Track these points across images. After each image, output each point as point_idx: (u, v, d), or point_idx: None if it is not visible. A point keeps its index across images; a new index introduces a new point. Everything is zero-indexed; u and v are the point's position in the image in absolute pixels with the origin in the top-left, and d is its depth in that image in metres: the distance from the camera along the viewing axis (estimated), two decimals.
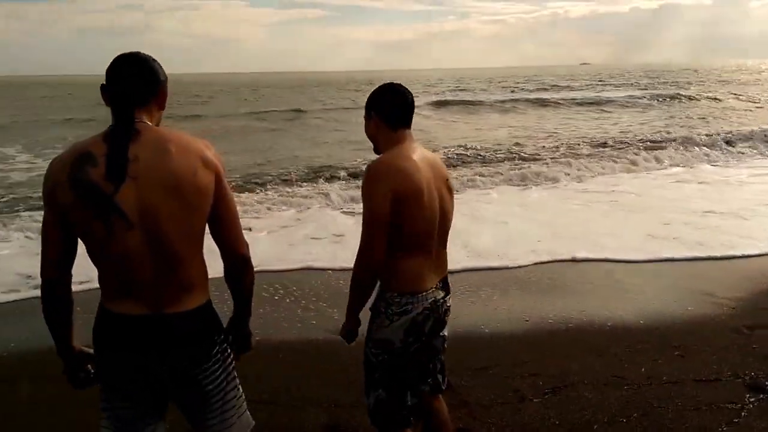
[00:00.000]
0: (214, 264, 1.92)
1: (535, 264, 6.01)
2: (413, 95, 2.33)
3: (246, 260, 1.91)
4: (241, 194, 9.97)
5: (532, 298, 5.14)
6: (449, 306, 2.41)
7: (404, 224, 2.15)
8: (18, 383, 3.70)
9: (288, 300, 5.20)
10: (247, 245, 1.91)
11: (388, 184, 2.11)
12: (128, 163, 1.65)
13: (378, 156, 2.27)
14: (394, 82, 2.35)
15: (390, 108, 2.27)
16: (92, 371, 1.91)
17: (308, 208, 9.07)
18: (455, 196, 2.46)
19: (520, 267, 5.94)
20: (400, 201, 2.12)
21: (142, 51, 1.79)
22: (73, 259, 1.77)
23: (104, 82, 1.74)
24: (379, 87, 2.33)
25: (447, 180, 2.33)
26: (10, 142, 18.03)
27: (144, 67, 1.76)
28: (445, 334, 2.44)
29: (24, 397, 3.53)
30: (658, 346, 4.10)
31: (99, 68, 1.73)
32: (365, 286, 2.24)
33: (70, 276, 1.79)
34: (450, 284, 2.42)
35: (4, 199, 10.19)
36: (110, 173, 1.64)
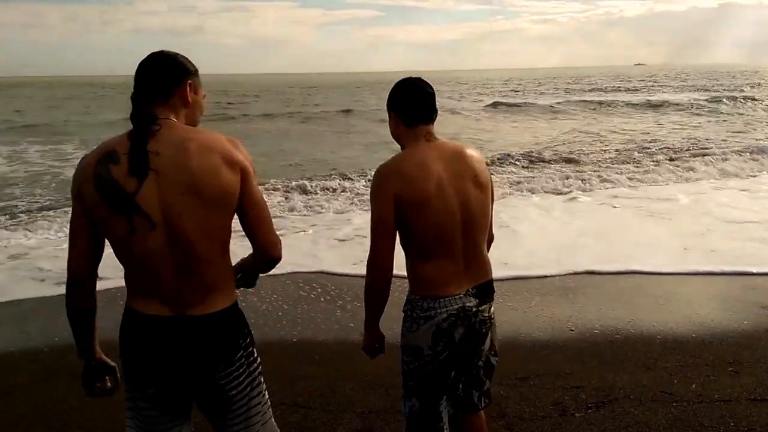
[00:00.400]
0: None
1: (576, 273, 5.79)
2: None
3: (277, 261, 1.87)
4: (289, 192, 10.05)
5: (575, 307, 4.97)
6: (487, 317, 2.22)
7: (413, 229, 2.08)
8: (59, 377, 3.77)
9: (323, 300, 5.19)
10: (279, 245, 1.86)
11: (390, 188, 2.04)
12: (149, 156, 1.63)
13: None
14: (413, 77, 2.21)
15: (405, 105, 2.16)
16: (109, 385, 1.88)
17: (348, 209, 9.07)
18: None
19: (558, 276, 5.73)
20: (403, 206, 2.04)
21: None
22: (99, 258, 1.76)
23: None
24: (396, 83, 2.21)
25: (475, 176, 2.14)
26: (67, 139, 18.89)
27: (161, 64, 1.74)
28: (485, 348, 2.25)
29: (63, 392, 3.58)
30: (711, 362, 3.89)
31: None
32: (375, 290, 2.17)
33: (95, 276, 1.77)
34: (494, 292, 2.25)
35: (58, 194, 10.54)
36: (133, 168, 1.62)
